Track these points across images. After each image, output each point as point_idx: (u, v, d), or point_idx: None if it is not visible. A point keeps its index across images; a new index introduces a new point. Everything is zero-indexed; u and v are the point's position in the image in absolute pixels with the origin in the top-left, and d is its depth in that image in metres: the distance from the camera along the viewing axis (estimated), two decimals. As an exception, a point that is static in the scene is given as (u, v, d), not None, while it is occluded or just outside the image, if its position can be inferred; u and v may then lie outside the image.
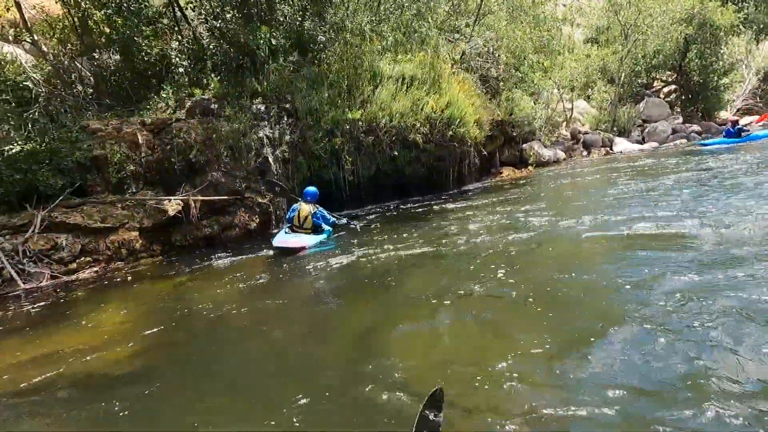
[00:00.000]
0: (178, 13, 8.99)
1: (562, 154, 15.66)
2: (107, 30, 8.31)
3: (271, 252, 6.36)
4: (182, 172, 7.13)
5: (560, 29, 15.38)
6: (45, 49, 7.68)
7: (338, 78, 8.87)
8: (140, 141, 6.95)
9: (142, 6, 8.19)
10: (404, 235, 6.48)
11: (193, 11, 9.21)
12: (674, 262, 3.98)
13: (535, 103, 14.61)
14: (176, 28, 9.07)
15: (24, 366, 3.42)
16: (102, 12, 8.13)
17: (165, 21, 9.01)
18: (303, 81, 8.68)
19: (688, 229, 4.94)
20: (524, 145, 14.59)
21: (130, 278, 5.75)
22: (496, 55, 13.24)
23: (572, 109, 18.52)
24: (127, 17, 7.99)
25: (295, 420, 2.39)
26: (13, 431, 2.65)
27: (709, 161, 10.43)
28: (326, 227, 6.91)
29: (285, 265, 5.69)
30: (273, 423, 2.42)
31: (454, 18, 13.19)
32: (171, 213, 6.75)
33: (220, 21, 9.01)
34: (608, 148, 17.03)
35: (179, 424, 2.55)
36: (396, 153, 9.09)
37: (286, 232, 6.74)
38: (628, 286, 3.60)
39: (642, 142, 18.05)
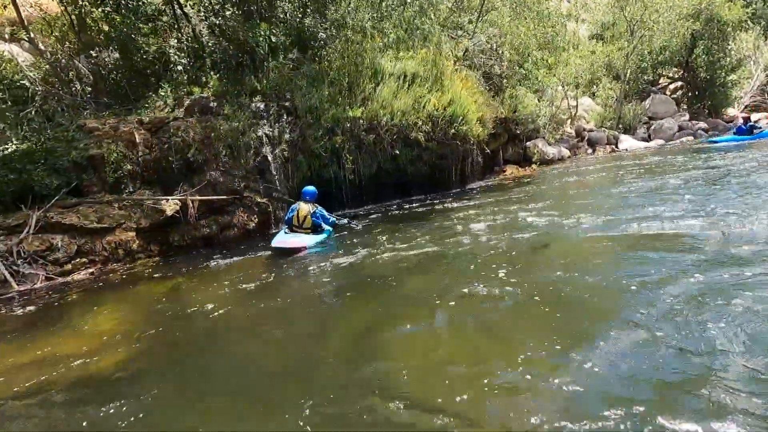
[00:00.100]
0: (178, 11, 8.89)
1: (566, 152, 15.48)
2: (105, 28, 8.23)
3: (270, 252, 6.27)
4: (180, 171, 7.03)
5: (565, 25, 15.14)
6: (42, 47, 7.59)
7: (339, 75, 8.74)
8: (138, 140, 6.85)
9: (140, 3, 8.09)
10: (406, 234, 6.39)
11: (193, 8, 9.10)
12: (681, 262, 3.91)
13: (539, 101, 14.41)
14: (176, 26, 8.96)
15: (18, 370, 3.36)
16: (100, 10, 8.04)
17: (165, 19, 8.91)
18: (303, 79, 8.56)
19: (695, 229, 4.85)
20: (528, 143, 14.41)
21: (126, 279, 5.67)
22: (500, 51, 13.06)
23: (577, 106, 18.31)
24: (125, 15, 7.90)
25: (294, 422, 2.37)
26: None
27: (718, 159, 10.25)
28: (326, 227, 6.82)
29: (284, 266, 5.61)
30: (272, 425, 2.41)
31: (456, 14, 13.02)
32: (169, 213, 6.65)
33: (220, 18, 8.89)
34: (613, 146, 16.82)
35: (177, 427, 2.52)
36: (397, 151, 8.96)
37: (285, 233, 6.64)
38: (633, 287, 3.53)
39: (648, 139, 17.82)
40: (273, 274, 5.30)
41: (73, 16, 7.90)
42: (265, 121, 7.91)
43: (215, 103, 7.79)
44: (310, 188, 6.84)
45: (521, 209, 7.22)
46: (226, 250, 6.73)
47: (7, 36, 7.97)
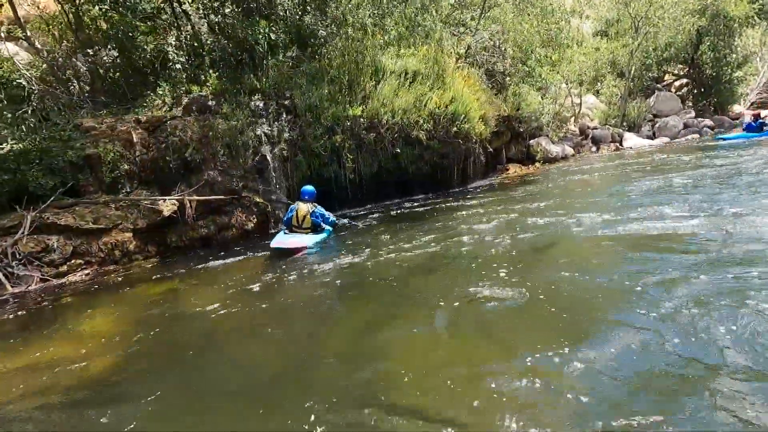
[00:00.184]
0: (177, 9, 8.79)
1: (570, 150, 15.32)
2: (104, 26, 8.14)
3: (269, 253, 6.18)
4: (178, 171, 6.95)
5: (568, 21, 14.94)
6: (38, 46, 7.51)
7: (339, 73, 8.62)
8: (135, 139, 6.77)
9: (138, 0, 7.99)
10: (407, 234, 6.30)
11: (191, 5, 9.00)
12: (688, 263, 3.82)
13: (542, 98, 14.26)
14: (176, 24, 8.87)
15: (11, 374, 3.29)
16: (97, 8, 7.95)
17: (164, 17, 8.81)
18: (303, 77, 8.45)
19: (702, 228, 4.73)
20: (531, 141, 14.27)
21: (123, 281, 5.58)
22: (502, 48, 12.90)
23: (581, 104, 18.14)
24: (123, 13, 7.81)
25: (293, 424, 2.36)
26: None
27: (726, 157, 10.08)
28: (326, 227, 6.73)
29: (284, 267, 5.52)
30: (272, 425, 2.41)
31: (459, 11, 12.86)
32: (166, 213, 6.57)
33: (219, 15, 8.79)
34: (618, 144, 16.65)
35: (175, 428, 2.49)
36: (398, 150, 8.84)
37: (285, 233, 6.56)
38: (638, 288, 3.46)
39: (652, 137, 17.64)
40: (272, 275, 5.21)
41: (70, 14, 7.80)
42: (264, 119, 7.81)
43: (214, 102, 7.70)
44: (309, 188, 6.74)
45: (524, 209, 7.12)
46: (224, 250, 6.64)
47: (3, 35, 7.89)
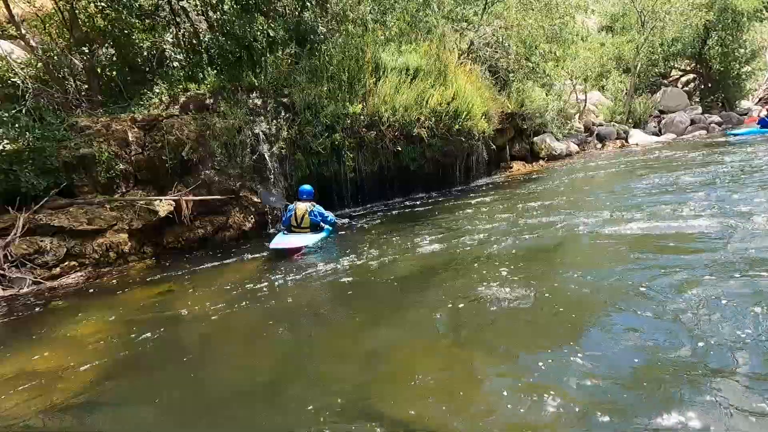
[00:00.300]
0: (176, 5, 8.65)
1: (575, 147, 15.10)
2: (101, 23, 8.02)
3: (268, 254, 6.07)
4: (174, 170, 6.82)
5: (573, 17, 14.68)
6: (33, 44, 7.39)
7: (339, 70, 8.46)
8: (130, 138, 6.66)
9: (135, -2, 7.85)
10: (408, 234, 6.20)
11: (190, 2, 8.85)
12: (696, 263, 3.74)
13: (546, 95, 14.04)
14: (174, 21, 8.74)
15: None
16: (93, 5, 7.83)
17: (162, 14, 8.68)
18: (302, 74, 8.30)
19: (712, 228, 4.60)
20: (536, 138, 14.06)
21: (117, 283, 5.47)
22: (506, 44, 12.68)
23: (585, 100, 17.88)
24: (119, 10, 7.67)
25: (291, 429, 2.35)
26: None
27: (737, 153, 9.86)
28: (326, 226, 6.61)
29: (282, 267, 5.41)
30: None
31: (461, 6, 12.64)
32: (162, 214, 6.46)
33: (218, 12, 8.65)
34: (623, 141, 16.42)
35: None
36: (399, 148, 8.68)
37: (284, 233, 6.45)
38: (643, 289, 3.40)
39: (659, 133, 17.39)
40: (271, 276, 5.10)
41: (65, 12, 7.68)
42: (262, 118, 7.67)
43: (211, 100, 7.56)
44: (307, 187, 6.63)
45: (528, 207, 7.01)
46: (221, 251, 6.52)
47: (-2, 33, 7.80)
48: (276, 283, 4.84)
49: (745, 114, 18.87)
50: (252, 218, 7.26)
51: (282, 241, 6.17)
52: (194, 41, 8.54)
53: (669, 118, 17.78)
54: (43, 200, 5.78)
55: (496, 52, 12.56)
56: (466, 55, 11.69)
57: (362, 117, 8.29)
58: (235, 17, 8.17)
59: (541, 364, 2.59)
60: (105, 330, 4.03)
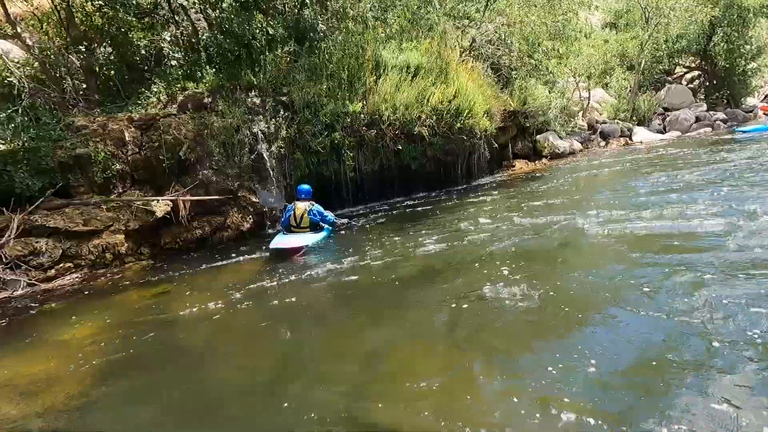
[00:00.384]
0: (174, 3, 8.57)
1: (578, 145, 14.94)
2: (98, 21, 7.95)
3: (268, 254, 6.01)
4: (171, 170, 6.74)
5: (576, 13, 14.52)
6: (30, 43, 7.34)
7: (338, 68, 8.35)
8: (127, 138, 6.58)
9: (132, -5, 7.77)
10: (409, 234, 6.15)
11: (188, 0, 8.77)
12: (701, 264, 3.70)
13: (549, 92, 13.88)
14: (173, 19, 8.66)
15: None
16: (90, 3, 7.76)
17: (161, 13, 8.60)
18: (301, 72, 8.20)
19: (717, 228, 4.54)
20: (538, 137, 13.90)
21: (113, 285, 5.41)
22: (508, 41, 12.53)
23: (589, 97, 17.70)
24: (117, 9, 7.59)
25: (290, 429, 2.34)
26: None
27: (742, 151, 9.71)
28: (326, 226, 6.54)
29: (281, 268, 5.35)
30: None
31: (463, 3, 12.50)
32: (159, 214, 6.38)
33: (217, 10, 8.56)
34: (627, 139, 16.24)
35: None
36: (400, 147, 8.57)
37: (283, 234, 6.38)
38: (647, 289, 3.37)
39: (663, 131, 17.20)
40: (269, 277, 5.03)
41: (62, 11, 7.61)
42: (261, 116, 7.58)
43: (209, 99, 7.47)
44: (305, 186, 6.55)
45: (530, 207, 6.94)
46: (219, 252, 6.45)
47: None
48: (275, 284, 4.77)
49: (750, 111, 18.64)
50: (250, 218, 7.17)
51: (282, 241, 6.10)
52: (193, 39, 8.46)
53: (673, 116, 17.59)
54: (39, 201, 5.71)
55: (498, 49, 12.42)
56: (467, 52, 11.55)
57: (362, 115, 8.19)
58: (234, 15, 8.07)
59: (542, 365, 2.56)
60: (102, 332, 3.98)
